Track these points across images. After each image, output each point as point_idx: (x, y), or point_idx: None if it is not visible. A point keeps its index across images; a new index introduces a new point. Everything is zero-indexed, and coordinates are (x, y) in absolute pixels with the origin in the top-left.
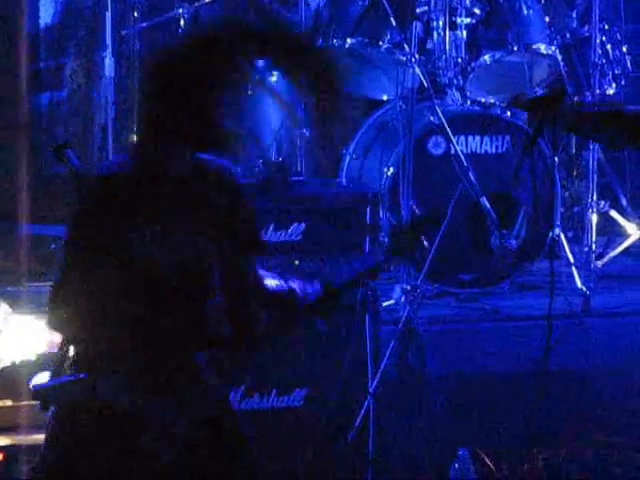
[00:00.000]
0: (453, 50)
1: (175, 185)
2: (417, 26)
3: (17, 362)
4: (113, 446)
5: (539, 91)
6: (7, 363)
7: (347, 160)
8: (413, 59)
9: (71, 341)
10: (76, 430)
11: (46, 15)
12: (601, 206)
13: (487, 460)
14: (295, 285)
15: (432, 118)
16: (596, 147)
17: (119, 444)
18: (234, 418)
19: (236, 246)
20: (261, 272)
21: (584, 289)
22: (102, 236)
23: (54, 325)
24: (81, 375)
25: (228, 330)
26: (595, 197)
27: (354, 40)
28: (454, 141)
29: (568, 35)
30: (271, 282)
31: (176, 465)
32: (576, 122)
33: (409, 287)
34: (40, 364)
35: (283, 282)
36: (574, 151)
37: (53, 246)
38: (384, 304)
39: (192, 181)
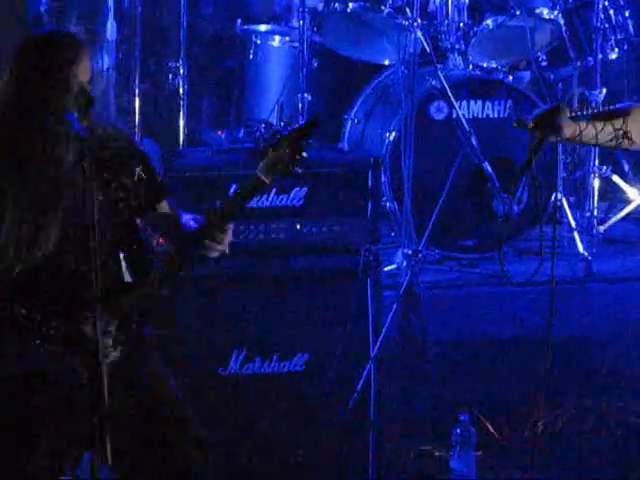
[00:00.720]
0: (455, 14)
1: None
2: None
3: None
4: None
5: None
6: None
7: (349, 125)
8: (415, 23)
9: None
10: None
11: None
12: (603, 171)
13: (488, 425)
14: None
15: (434, 83)
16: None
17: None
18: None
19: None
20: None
21: (586, 254)
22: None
23: None
24: None
25: None
26: (597, 162)
27: (356, 5)
28: (456, 106)
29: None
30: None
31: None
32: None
33: (411, 252)
34: None
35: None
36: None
37: None
38: (386, 269)
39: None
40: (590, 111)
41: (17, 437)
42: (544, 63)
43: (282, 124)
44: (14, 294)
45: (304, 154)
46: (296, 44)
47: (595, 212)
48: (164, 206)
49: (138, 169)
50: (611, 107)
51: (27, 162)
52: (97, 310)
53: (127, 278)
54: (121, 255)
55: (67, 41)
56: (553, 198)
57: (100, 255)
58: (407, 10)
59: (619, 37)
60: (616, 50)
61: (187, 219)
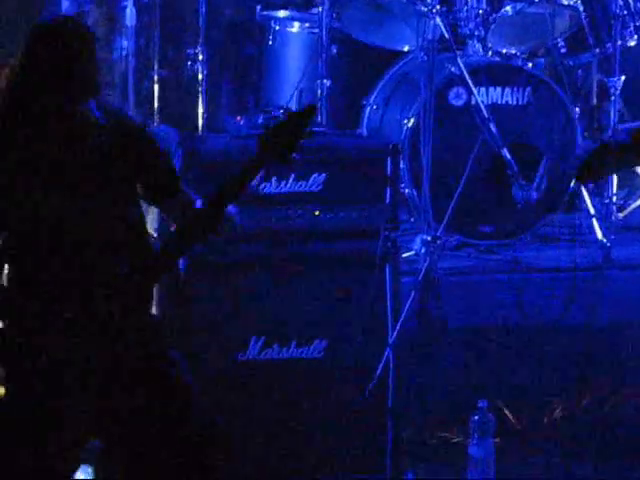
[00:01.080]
0: (475, 1)
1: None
2: None
3: None
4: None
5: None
6: None
7: (367, 111)
8: (434, 10)
9: None
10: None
11: None
12: None
13: (506, 412)
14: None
15: (453, 69)
16: (617, 98)
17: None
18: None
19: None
20: None
21: (605, 241)
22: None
23: None
24: None
25: None
26: None
27: None
28: (475, 92)
29: None
30: None
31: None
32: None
33: (429, 238)
34: None
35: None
36: (595, 102)
37: None
38: (404, 255)
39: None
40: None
41: (42, 426)
42: (563, 50)
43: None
44: (26, 284)
45: (301, 141)
46: (315, 30)
47: (614, 199)
48: (179, 193)
49: (151, 155)
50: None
51: (41, 153)
52: (105, 296)
53: (133, 262)
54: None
55: (72, 27)
56: (572, 185)
57: (109, 241)
58: None
59: (638, 24)
60: (635, 37)
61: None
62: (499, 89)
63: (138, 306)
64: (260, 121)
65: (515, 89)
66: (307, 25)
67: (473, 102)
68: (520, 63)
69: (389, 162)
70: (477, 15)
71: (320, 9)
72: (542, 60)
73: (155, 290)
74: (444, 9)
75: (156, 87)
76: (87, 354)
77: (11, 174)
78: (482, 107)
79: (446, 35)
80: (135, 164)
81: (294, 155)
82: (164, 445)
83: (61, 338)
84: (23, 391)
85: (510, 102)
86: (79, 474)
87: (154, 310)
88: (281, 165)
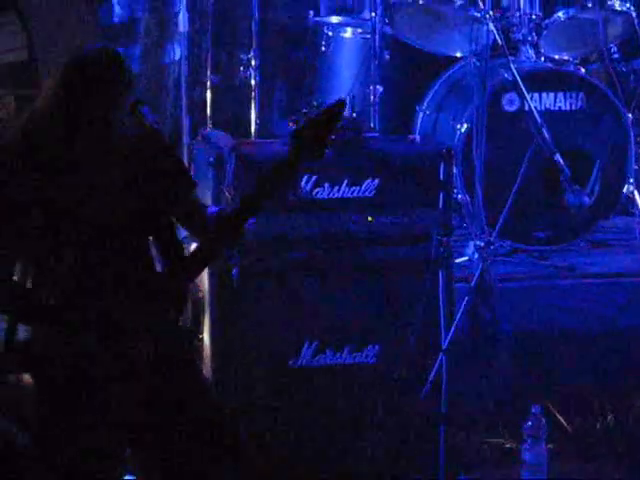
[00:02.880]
0: (527, 6)
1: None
2: None
3: None
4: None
5: None
6: None
7: (420, 116)
8: (487, 15)
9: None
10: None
11: None
12: None
13: (560, 417)
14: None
15: (506, 75)
16: None
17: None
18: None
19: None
20: None
21: None
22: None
23: None
24: None
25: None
26: None
27: None
28: (528, 98)
29: None
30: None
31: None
32: None
33: (482, 244)
34: None
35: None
36: None
37: None
38: (457, 260)
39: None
40: None
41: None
42: (616, 55)
43: (354, 115)
44: (51, 286)
45: (333, 137)
46: (368, 36)
47: None
48: (193, 198)
49: (167, 161)
50: None
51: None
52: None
53: (158, 269)
54: (153, 247)
55: (109, 60)
56: (625, 190)
57: (133, 247)
58: (479, 2)
59: None
60: None
61: (212, 211)
62: (552, 95)
63: (167, 313)
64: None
65: (568, 95)
66: (360, 31)
67: (526, 108)
68: (573, 69)
69: (442, 167)
70: (530, 21)
71: (373, 14)
72: (595, 66)
73: (209, 298)
74: (497, 15)
75: (209, 93)
76: (115, 360)
77: (37, 187)
78: (535, 113)
79: (499, 41)
80: (153, 168)
81: (326, 150)
82: (195, 455)
83: (88, 342)
84: (52, 396)
85: (563, 108)
86: None
87: (208, 318)
88: (313, 161)
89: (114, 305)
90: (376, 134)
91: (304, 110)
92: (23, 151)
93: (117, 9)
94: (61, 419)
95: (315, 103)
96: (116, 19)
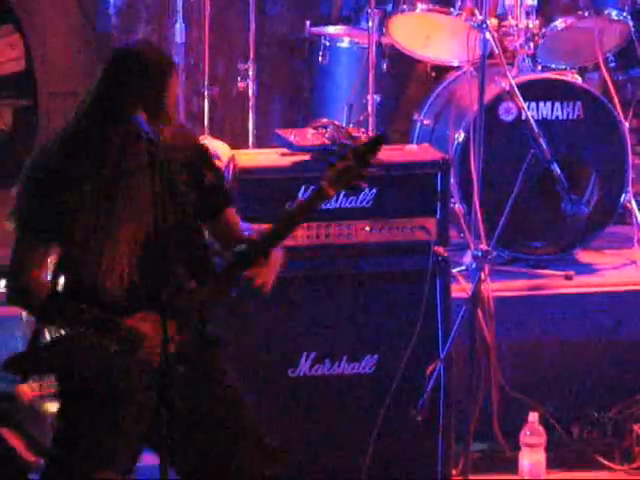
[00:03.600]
0: (524, 16)
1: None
2: None
3: None
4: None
5: None
6: None
7: (418, 126)
8: (484, 25)
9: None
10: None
11: None
12: None
13: (557, 425)
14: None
15: (503, 84)
16: None
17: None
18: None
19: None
20: None
21: None
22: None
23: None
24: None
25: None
26: None
27: (424, 5)
28: (525, 107)
29: None
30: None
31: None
32: None
33: (480, 253)
34: None
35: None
36: None
37: None
38: (454, 270)
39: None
40: None
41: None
42: (613, 64)
43: (351, 125)
44: (83, 295)
45: (370, 169)
46: (365, 45)
47: None
48: (229, 214)
49: (208, 174)
50: None
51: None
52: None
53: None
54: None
55: (157, 58)
56: (622, 199)
57: (164, 257)
58: (476, 11)
59: None
60: None
61: (245, 229)
62: (549, 104)
63: (199, 321)
64: (309, 136)
65: (565, 104)
66: (357, 40)
67: (523, 117)
68: (570, 78)
69: (439, 177)
70: (527, 30)
71: (370, 24)
72: (592, 75)
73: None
74: (494, 24)
75: (206, 103)
76: (146, 364)
77: (78, 187)
78: (532, 122)
79: (496, 50)
80: (193, 179)
81: (362, 185)
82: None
83: (119, 348)
84: (74, 397)
85: (560, 117)
86: None
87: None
88: (347, 190)
89: (142, 312)
90: None
91: (344, 141)
92: (70, 146)
93: (114, 19)
94: (83, 420)
95: (353, 121)
96: (113, 29)
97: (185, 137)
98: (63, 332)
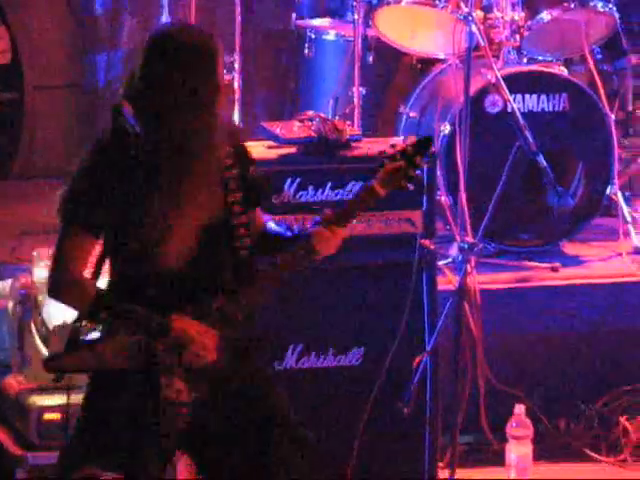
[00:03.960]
0: (510, 8)
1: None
2: None
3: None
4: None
5: None
6: (59, 322)
7: (404, 118)
8: (470, 17)
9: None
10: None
11: None
12: None
13: (542, 417)
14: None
15: (489, 76)
16: None
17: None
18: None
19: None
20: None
21: None
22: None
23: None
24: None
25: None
26: None
27: None
28: (511, 99)
29: None
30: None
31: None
32: None
33: (466, 246)
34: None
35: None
36: (631, 108)
37: None
38: (441, 262)
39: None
40: None
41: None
42: (599, 56)
43: (337, 118)
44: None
45: (419, 171)
46: (351, 38)
47: None
48: (258, 211)
49: (251, 169)
50: None
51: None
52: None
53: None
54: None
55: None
56: (608, 191)
57: (215, 255)
58: (462, 4)
59: None
60: None
61: (271, 228)
62: (535, 96)
63: (243, 322)
64: (295, 129)
65: (551, 96)
66: (343, 33)
67: (509, 109)
68: (556, 70)
69: (425, 169)
70: (512, 22)
71: (355, 17)
72: (577, 67)
73: None
74: (479, 16)
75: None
76: (181, 366)
77: (122, 178)
78: (518, 114)
79: (482, 42)
80: (237, 173)
81: (410, 186)
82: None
83: (160, 346)
84: (107, 397)
85: (546, 109)
86: None
87: None
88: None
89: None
90: (359, 137)
91: (392, 143)
92: (121, 137)
93: (99, 11)
94: (111, 420)
95: (339, 114)
96: (99, 22)
97: (229, 134)
98: (101, 329)
